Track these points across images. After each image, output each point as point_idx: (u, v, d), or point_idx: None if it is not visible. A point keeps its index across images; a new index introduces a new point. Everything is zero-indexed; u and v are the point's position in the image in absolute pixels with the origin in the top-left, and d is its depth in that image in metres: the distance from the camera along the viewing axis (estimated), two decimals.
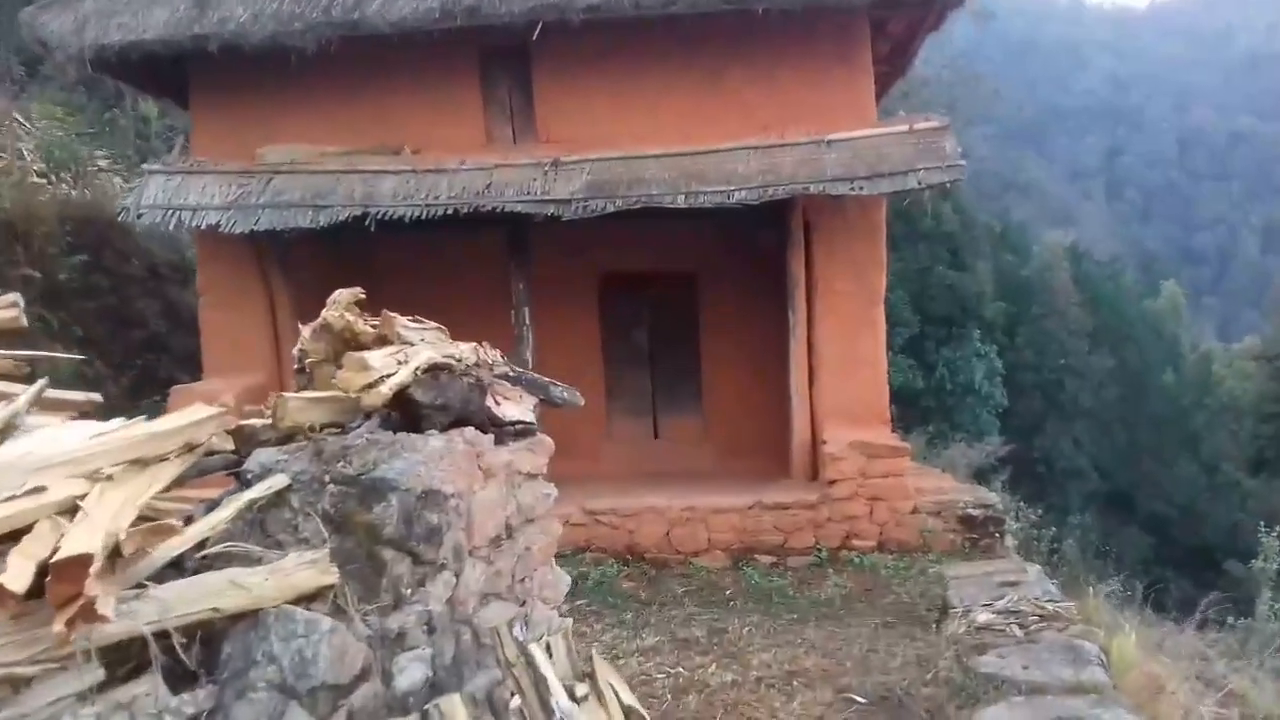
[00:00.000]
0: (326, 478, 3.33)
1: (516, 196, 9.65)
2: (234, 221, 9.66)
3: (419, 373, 3.56)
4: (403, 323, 3.73)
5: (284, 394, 3.52)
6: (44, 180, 12.84)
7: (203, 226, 9.90)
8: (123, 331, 13.37)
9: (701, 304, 12.20)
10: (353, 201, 9.71)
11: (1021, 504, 19.50)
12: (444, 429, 3.59)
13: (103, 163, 15.33)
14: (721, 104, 10.71)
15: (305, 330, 3.89)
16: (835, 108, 10.50)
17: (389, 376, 3.44)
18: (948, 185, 9.50)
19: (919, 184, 9.37)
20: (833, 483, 9.56)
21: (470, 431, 3.57)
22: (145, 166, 10.51)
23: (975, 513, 9.53)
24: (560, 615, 4.22)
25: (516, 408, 3.85)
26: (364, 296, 4.21)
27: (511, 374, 4.10)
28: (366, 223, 9.60)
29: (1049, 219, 41.58)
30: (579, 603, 8.89)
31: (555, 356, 11.52)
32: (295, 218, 9.62)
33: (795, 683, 6.98)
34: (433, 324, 3.94)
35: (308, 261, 11.15)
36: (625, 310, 12.29)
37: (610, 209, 9.51)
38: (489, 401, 3.65)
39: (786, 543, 9.55)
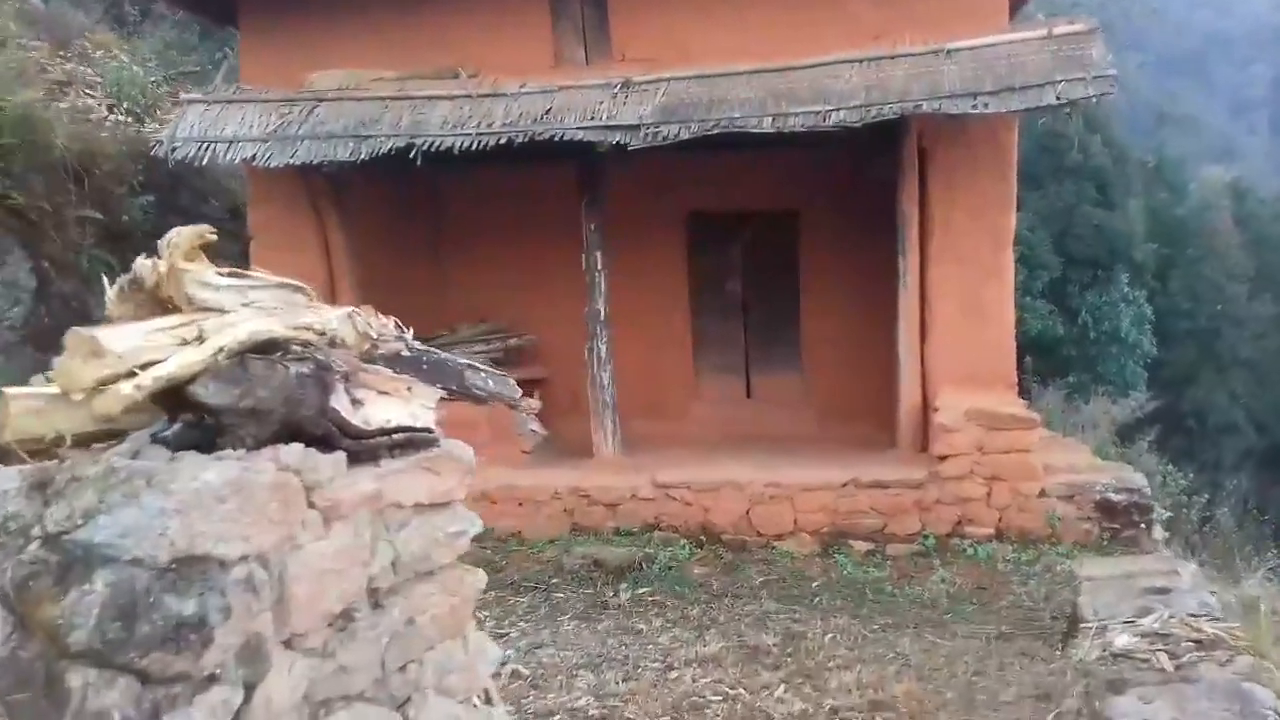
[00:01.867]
0: (29, 535, 2.02)
1: (578, 123, 8.18)
2: (270, 154, 8.47)
3: (222, 357, 2.21)
4: (208, 277, 2.36)
5: (7, 390, 2.21)
6: (110, 116, 11.91)
7: (237, 160, 8.75)
8: None
9: (803, 247, 10.58)
10: (398, 131, 8.40)
11: (1170, 466, 17.33)
12: (259, 444, 2.23)
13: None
14: (822, 11, 8.98)
15: (111, 290, 2.55)
16: (959, 13, 8.64)
17: (150, 365, 2.10)
18: (1094, 101, 7.59)
19: (1058, 99, 7.50)
20: (944, 458, 7.92)
21: (292, 450, 2.20)
22: (184, 96, 9.40)
23: (1116, 498, 7.75)
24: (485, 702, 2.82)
25: (396, 407, 2.46)
26: (214, 237, 2.83)
27: (408, 353, 2.69)
28: (412, 154, 8.29)
29: (1209, 155, 37.86)
30: (641, 591, 7.56)
31: (635, 307, 10.15)
32: (336, 149, 8.37)
33: (877, 719, 5.52)
34: (280, 279, 2.55)
35: (367, 201, 9.96)
36: (716, 254, 10.76)
37: (685, 135, 7.96)
38: (338, 401, 2.28)
39: (887, 527, 7.98)
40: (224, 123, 8.76)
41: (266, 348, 2.35)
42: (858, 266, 10.16)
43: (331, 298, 9.32)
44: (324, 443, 2.35)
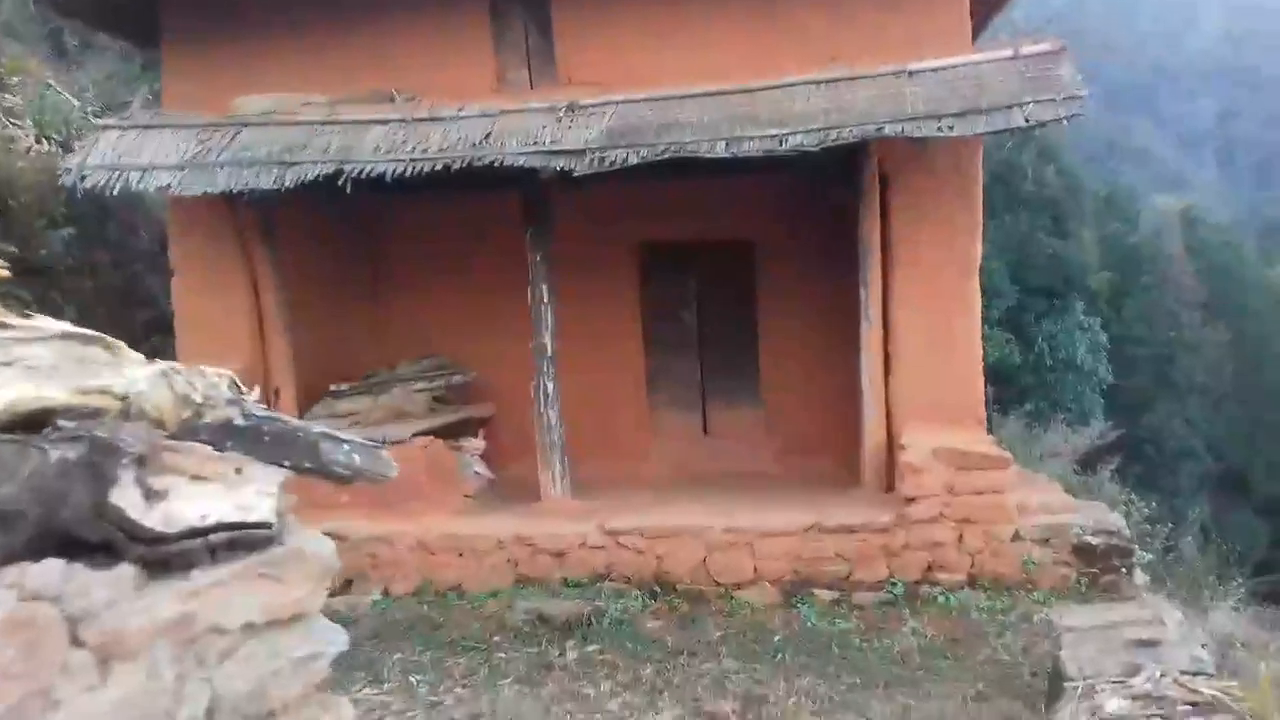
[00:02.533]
0: None
1: (520, 148, 7.58)
2: (188, 182, 7.79)
3: None
4: None
5: None
6: (37, 146, 11.16)
7: (152, 188, 8.06)
8: (126, 312, 11.72)
9: (760, 278, 10.02)
10: (327, 157, 7.75)
11: (1133, 495, 16.92)
12: (5, 559, 1.58)
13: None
14: (777, 33, 8.48)
15: None
16: (921, 34, 8.18)
17: None
18: (1064, 122, 7.11)
19: (1027, 120, 7.01)
20: (912, 500, 7.34)
21: (47, 570, 1.55)
22: (98, 121, 8.70)
23: (1095, 541, 7.20)
24: None
25: (216, 497, 1.83)
26: (5, 272, 2.19)
27: (243, 422, 2.05)
28: (341, 181, 7.64)
29: (1158, 185, 38.02)
30: (589, 649, 6.90)
31: (586, 341, 9.55)
32: (259, 176, 7.70)
33: None
34: (68, 328, 1.91)
35: (299, 233, 9.29)
36: (669, 285, 10.19)
37: (634, 160, 7.38)
38: (122, 494, 1.65)
39: (853, 574, 7.38)
40: (140, 149, 8.06)
41: (33, 421, 1.70)
42: (818, 297, 9.64)
43: (260, 338, 8.66)
44: (107, 550, 1.69)
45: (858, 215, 8.23)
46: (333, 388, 9.09)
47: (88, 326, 2.01)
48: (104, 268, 11.68)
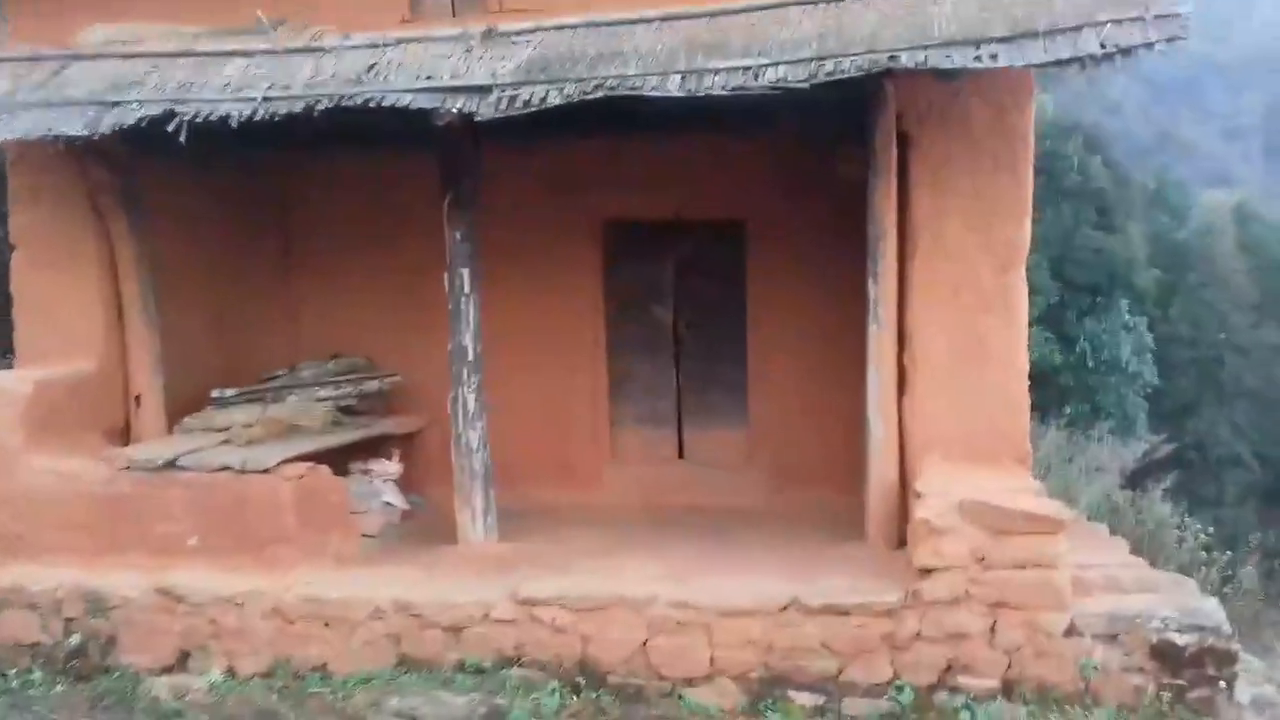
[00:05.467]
0: None
1: (407, 84, 5.39)
2: None
3: None
4: None
5: None
6: None
7: None
8: None
9: (751, 267, 7.77)
10: (162, 96, 5.61)
11: (1189, 518, 14.41)
12: None
13: None
14: None
15: None
16: None
17: None
18: (1157, 49, 4.75)
19: (1103, 47, 4.68)
20: (928, 572, 5.06)
21: None
22: None
23: (1182, 640, 4.89)
24: None
25: None
26: None
27: None
28: (171, 127, 5.49)
29: (1203, 180, 35.02)
30: None
31: (534, 341, 7.40)
32: (67, 120, 5.58)
33: None
34: None
35: (176, 201, 7.19)
36: (640, 275, 7.97)
37: (554, 100, 5.14)
38: None
39: (844, 672, 5.11)
40: None
41: None
42: (820, 291, 7.41)
43: (119, 323, 6.61)
44: None
45: (869, 188, 5.98)
46: (215, 394, 6.98)
47: None
48: None
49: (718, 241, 7.73)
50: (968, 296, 5.98)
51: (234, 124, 5.43)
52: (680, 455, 7.96)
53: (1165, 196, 27.03)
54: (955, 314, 5.99)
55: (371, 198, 7.91)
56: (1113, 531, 9.41)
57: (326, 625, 5.58)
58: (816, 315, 7.44)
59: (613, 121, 6.14)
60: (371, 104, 5.34)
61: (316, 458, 6.46)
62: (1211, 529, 14.00)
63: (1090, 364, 20.66)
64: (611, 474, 7.82)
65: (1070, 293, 20.88)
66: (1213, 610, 5.04)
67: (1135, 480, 15.62)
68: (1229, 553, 14.01)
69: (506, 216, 7.38)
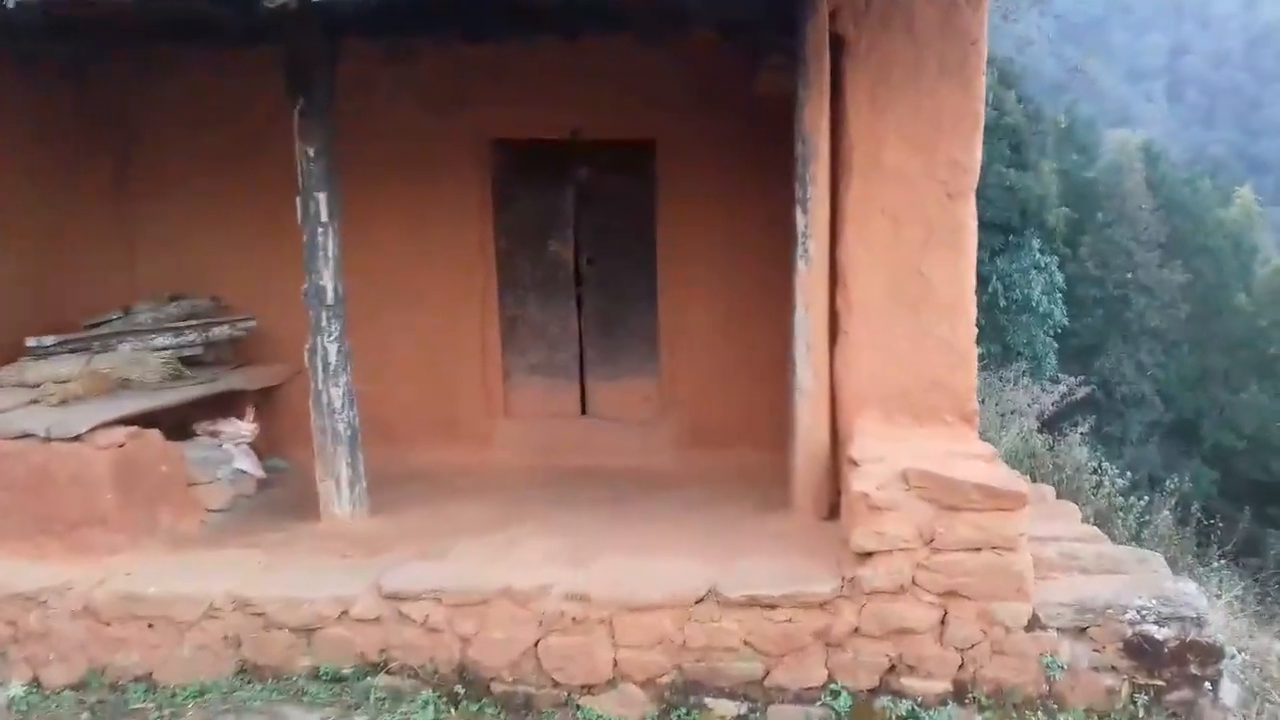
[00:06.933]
0: None
1: None
2: None
3: None
4: None
5: None
6: None
7: None
8: None
9: (661, 194, 6.80)
10: None
11: (1106, 463, 14.02)
12: None
13: None
14: None
15: None
16: None
17: None
18: None
19: None
20: (868, 556, 4.24)
21: None
22: None
23: (1161, 633, 4.17)
24: None
25: None
26: None
27: None
28: None
29: (1108, 119, 35.05)
30: None
31: (414, 280, 6.36)
32: None
33: None
34: None
35: None
36: (535, 204, 6.93)
37: None
38: None
39: (770, 675, 4.29)
40: None
41: None
42: (742, 223, 6.52)
43: None
44: None
45: (797, 102, 5.05)
46: (31, 342, 5.79)
47: None
48: None
49: (624, 166, 6.73)
50: (910, 229, 5.13)
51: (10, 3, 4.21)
52: (582, 411, 7.01)
53: (1074, 134, 26.82)
54: (896, 249, 5.13)
55: (223, 112, 6.69)
56: (1033, 479, 8.83)
57: (150, 627, 4.54)
58: (737, 250, 6.54)
59: (500, 23, 5.13)
60: None
61: (150, 419, 5.37)
62: (1129, 473, 13.65)
63: (1002, 304, 20.36)
64: (504, 432, 6.85)
65: (983, 231, 20.50)
66: (1193, 597, 4.31)
67: (1052, 424, 15.23)
68: (1146, 498, 13.68)
69: (380, 136, 6.33)
